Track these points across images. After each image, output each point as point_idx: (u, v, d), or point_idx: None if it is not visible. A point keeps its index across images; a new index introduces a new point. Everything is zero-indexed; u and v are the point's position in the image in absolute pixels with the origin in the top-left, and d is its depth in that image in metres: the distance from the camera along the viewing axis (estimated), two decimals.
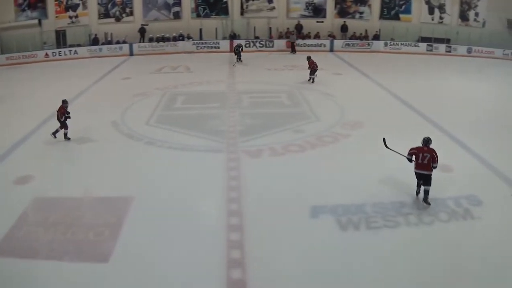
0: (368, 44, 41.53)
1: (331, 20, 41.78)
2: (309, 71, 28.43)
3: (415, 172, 14.23)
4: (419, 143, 14.75)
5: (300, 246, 11.39)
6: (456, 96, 26.76)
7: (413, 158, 14.03)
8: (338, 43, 40.58)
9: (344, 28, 41.94)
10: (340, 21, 42.05)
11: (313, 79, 28.21)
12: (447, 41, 44.44)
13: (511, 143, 19.86)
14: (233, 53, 34.29)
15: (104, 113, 21.14)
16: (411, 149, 14.20)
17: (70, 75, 30.36)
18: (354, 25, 42.20)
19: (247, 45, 38.54)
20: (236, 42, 38.03)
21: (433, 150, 13.97)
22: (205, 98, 23.96)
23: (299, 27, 40.69)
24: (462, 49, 43.65)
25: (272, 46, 38.91)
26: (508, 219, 13.66)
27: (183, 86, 26.36)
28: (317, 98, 24.67)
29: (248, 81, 26.65)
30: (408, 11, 44.45)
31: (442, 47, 43.76)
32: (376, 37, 42.62)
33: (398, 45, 42.25)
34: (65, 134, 18.16)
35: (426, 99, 25.57)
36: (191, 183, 14.31)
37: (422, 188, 14.16)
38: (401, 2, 44.01)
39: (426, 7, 44.75)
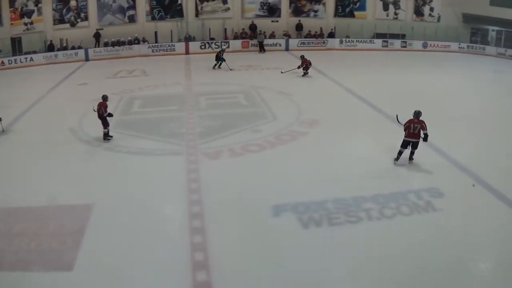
0: (324, 42, 41.77)
1: (286, 19, 41.94)
2: (301, 68, 29.84)
3: (405, 140, 16.56)
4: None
5: (263, 245, 11.39)
6: (411, 90, 27.15)
7: (405, 129, 16.51)
8: (294, 42, 40.72)
9: (299, 27, 42.10)
10: (295, 20, 42.22)
11: (306, 74, 29.68)
12: (403, 36, 45.12)
13: (469, 134, 20.32)
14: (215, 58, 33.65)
15: (62, 120, 20.87)
16: (405, 124, 16.61)
17: (26, 83, 29.81)
18: (309, 23, 42.43)
19: (202, 47, 38.52)
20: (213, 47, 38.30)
21: (422, 122, 16.42)
22: (163, 101, 23.84)
23: (253, 27, 40.71)
24: (418, 44, 44.40)
25: (228, 47, 38.52)
26: (470, 210, 13.89)
27: (139, 90, 26.16)
28: (274, 97, 24.76)
29: (205, 82, 26.61)
30: (362, 8, 44.93)
31: (397, 43, 44.41)
32: (331, 35, 42.92)
33: (353, 42, 42.64)
34: (106, 134, 18.32)
35: (382, 94, 25.97)
36: (152, 187, 14.19)
37: (410, 150, 16.71)
38: (356, 0, 44.47)
39: (380, 3, 45.32)
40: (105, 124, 18.24)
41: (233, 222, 12.40)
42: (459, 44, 45.72)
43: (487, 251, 12.02)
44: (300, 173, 15.61)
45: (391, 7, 45.75)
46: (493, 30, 47.79)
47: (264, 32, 41.05)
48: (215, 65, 32.75)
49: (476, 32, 47.83)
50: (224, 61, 32.48)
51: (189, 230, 11.89)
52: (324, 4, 43.35)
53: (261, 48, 39.09)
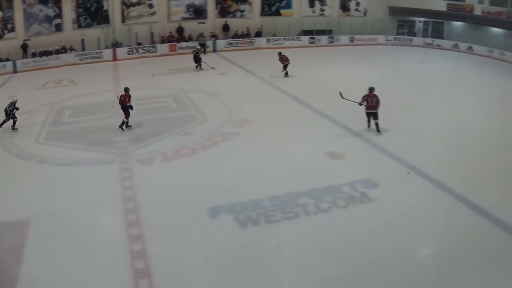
0: (251, 42, 42.03)
1: (213, 21, 42.00)
2: (282, 66, 29.92)
3: (367, 112, 19.85)
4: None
5: (203, 248, 11.45)
6: (339, 84, 27.60)
7: (364, 102, 19.53)
8: (221, 42, 40.77)
9: (226, 28, 42.25)
10: (222, 20, 42.36)
11: (286, 72, 29.79)
12: (329, 32, 46.07)
13: (399, 123, 21.05)
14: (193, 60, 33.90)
15: None
16: (363, 97, 19.62)
17: None
18: (236, 23, 42.63)
19: (130, 52, 38.13)
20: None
21: (376, 95, 19.67)
22: (93, 109, 23.47)
23: (180, 30, 40.50)
24: (345, 39, 45.43)
25: (155, 52, 38.57)
26: (406, 198, 14.34)
27: (69, 99, 25.71)
28: (203, 99, 24.87)
29: (134, 88, 26.30)
30: (288, 6, 45.50)
31: (324, 39, 45.31)
32: (258, 34, 43.23)
33: (280, 40, 43.01)
34: (126, 123, 20.14)
35: (310, 90, 26.58)
36: (87, 198, 14.07)
37: (373, 122, 19.75)
38: None
39: (306, 0, 46.08)
40: (127, 114, 20.00)
41: (171, 227, 12.41)
42: (386, 36, 47.16)
43: (426, 237, 12.41)
44: (234, 173, 15.80)
45: (317, 3, 46.58)
46: (420, 21, 49.21)
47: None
48: (197, 66, 33.07)
49: (403, 24, 49.42)
50: (199, 62, 33.11)
51: (128, 239, 11.79)
52: (250, 3, 43.66)
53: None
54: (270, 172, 15.89)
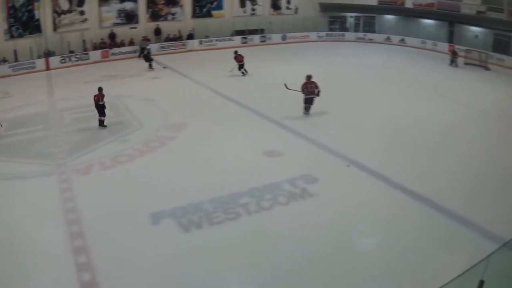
0: (183, 44, 42.02)
1: (144, 25, 41.67)
2: (237, 65, 30.66)
3: (306, 98, 22.25)
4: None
5: (148, 255, 11.52)
6: (271, 83, 28.14)
7: (305, 90, 22.00)
8: (153, 46, 40.31)
9: (157, 31, 42.06)
10: (153, 24, 42.11)
11: (244, 71, 30.63)
12: (261, 31, 46.63)
13: (335, 118, 22.04)
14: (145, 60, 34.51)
15: None
16: (302, 85, 22.19)
17: None
18: (167, 27, 42.48)
19: (63, 61, 37.36)
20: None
21: (314, 82, 22.24)
22: (28, 121, 22.93)
23: (112, 36, 39.99)
24: (277, 37, 46.10)
25: (88, 59, 38.02)
26: (346, 190, 15.00)
27: (3, 112, 24.81)
28: (138, 105, 24.95)
29: (68, 97, 26.02)
30: (220, 7, 45.75)
31: (256, 38, 45.86)
32: (191, 36, 43.32)
33: (213, 41, 43.23)
34: (102, 121, 21.41)
35: (244, 90, 27.34)
36: (27, 212, 13.78)
37: (308, 105, 22.34)
38: None
39: (237, 0, 46.50)
40: (102, 113, 21.28)
41: (115, 236, 12.35)
42: (318, 33, 48.25)
43: (369, 227, 13.05)
44: (173, 178, 16.01)
45: (248, 3, 47.11)
46: (351, 17, 50.34)
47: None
48: (149, 66, 33.87)
49: (335, 20, 50.55)
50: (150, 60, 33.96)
51: (72, 251, 11.69)
52: (181, 6, 43.61)
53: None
54: (209, 174, 16.14)
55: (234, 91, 27.29)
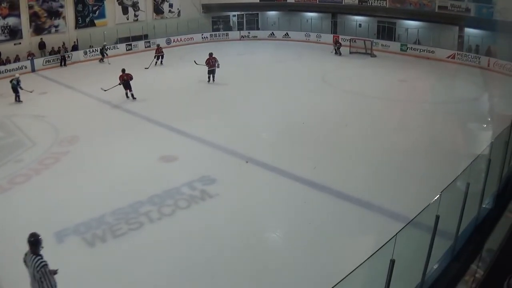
0: (68, 57, 41.20)
1: (29, 39, 40.72)
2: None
3: (208, 70, 30.64)
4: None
5: (58, 275, 10.55)
6: (158, 87, 29.37)
7: (207, 63, 30.14)
8: (39, 61, 39.33)
9: (42, 45, 41.09)
10: (37, 38, 41.14)
11: (212, 77, 31.43)
12: (145, 37, 46.86)
13: (223, 118, 22.89)
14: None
15: None
16: (206, 60, 30.62)
17: None
18: (51, 40, 41.63)
19: None
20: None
21: (215, 57, 30.60)
22: None
23: None
24: (161, 42, 46.00)
25: None
26: (245, 187, 15.77)
27: None
28: (28, 122, 24.43)
29: None
30: (102, 15, 45.63)
31: (141, 44, 46.09)
32: (75, 48, 42.82)
33: (97, 51, 42.65)
34: (132, 95, 27.76)
35: (131, 99, 27.57)
36: None
37: (212, 77, 30.01)
38: (95, 8, 44.91)
39: (119, 8, 46.62)
40: (129, 88, 27.59)
41: (19, 260, 10.91)
42: (202, 34, 49.18)
43: (272, 221, 13.77)
44: (72, 194, 15.89)
45: (130, 10, 47.45)
46: (234, 16, 51.38)
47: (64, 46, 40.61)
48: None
49: (218, 20, 51.46)
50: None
51: None
52: (64, 17, 42.98)
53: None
54: (108, 186, 16.31)
55: (123, 100, 27.66)
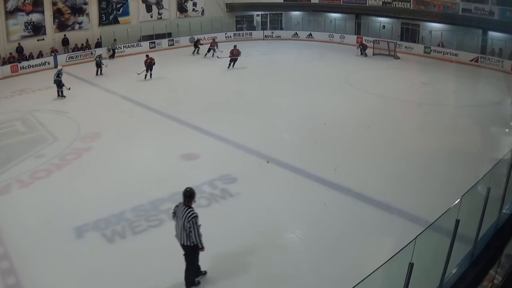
0: (91, 53, 41.25)
1: (52, 36, 40.94)
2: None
3: (231, 58, 34.81)
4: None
5: (75, 270, 11.31)
6: (182, 85, 28.93)
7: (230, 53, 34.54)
8: (62, 57, 39.61)
9: (65, 42, 41.29)
10: (61, 35, 41.34)
11: (233, 64, 35.40)
12: (169, 35, 46.86)
13: (247, 117, 22.78)
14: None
15: None
16: (230, 51, 34.84)
17: None
18: (75, 36, 41.90)
19: None
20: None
21: (238, 49, 35.08)
22: None
23: (20, 49, 38.68)
24: (185, 40, 46.48)
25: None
26: (266, 187, 15.56)
27: None
28: (51, 118, 24.49)
29: None
30: (126, 13, 45.85)
31: (165, 42, 46.18)
32: (98, 45, 42.92)
33: (121, 48, 43.07)
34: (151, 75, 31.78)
35: (156, 95, 27.78)
36: None
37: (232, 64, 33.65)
38: (119, 6, 45.09)
39: (143, 6, 46.72)
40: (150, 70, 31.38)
41: (41, 255, 11.98)
42: (226, 33, 49.03)
43: (294, 222, 13.49)
44: (93, 189, 15.83)
45: (154, 8, 47.48)
46: (258, 15, 51.32)
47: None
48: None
49: (241, 19, 51.52)
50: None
51: (0, 274, 11.25)
52: (87, 14, 43.21)
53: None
54: (129, 183, 16.17)
55: (146, 97, 27.59)
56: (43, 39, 40.49)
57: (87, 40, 42.33)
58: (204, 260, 10.91)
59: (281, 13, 54.12)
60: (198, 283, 10.78)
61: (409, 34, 44.68)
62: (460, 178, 15.14)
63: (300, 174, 16.29)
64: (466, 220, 8.02)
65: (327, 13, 50.34)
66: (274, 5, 51.46)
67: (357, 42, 43.16)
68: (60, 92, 28.68)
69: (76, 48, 41.65)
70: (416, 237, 6.52)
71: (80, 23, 42.98)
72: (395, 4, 43.57)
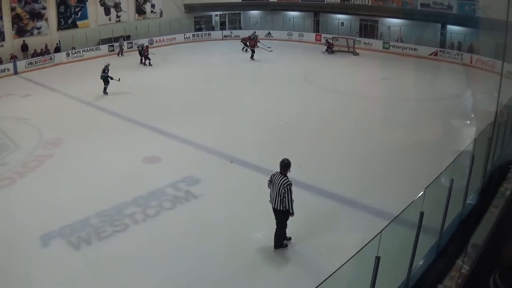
0: (51, 58, 40.93)
1: (11, 42, 40.27)
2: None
3: (251, 49, 37.56)
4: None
5: (42, 280, 11.17)
6: (140, 88, 29.15)
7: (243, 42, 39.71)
8: (21, 64, 38.84)
9: (24, 47, 40.64)
10: (20, 40, 40.71)
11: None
12: (128, 37, 46.68)
13: (204, 118, 22.84)
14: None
15: None
16: (245, 40, 40.31)
17: None
18: (34, 42, 41.27)
19: None
20: None
21: (252, 39, 38.47)
22: None
23: None
24: (144, 42, 45.19)
25: None
26: (229, 187, 15.69)
27: None
28: (11, 125, 24.10)
29: None
30: (84, 17, 45.39)
31: (123, 45, 45.50)
32: (57, 49, 42.42)
33: (80, 52, 42.76)
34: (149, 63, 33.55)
35: (117, 99, 27.84)
36: None
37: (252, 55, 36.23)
38: (77, 9, 44.63)
39: (102, 9, 46.41)
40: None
41: (6, 265, 11.79)
42: (185, 34, 49.09)
43: (258, 220, 13.52)
44: (57, 196, 15.70)
45: (112, 10, 47.25)
46: (216, 15, 51.39)
47: None
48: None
49: (200, 20, 51.36)
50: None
51: None
52: (46, 19, 42.64)
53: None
54: (92, 188, 16.09)
55: (106, 101, 27.63)
56: (2, 46, 39.79)
57: (46, 45, 41.80)
58: (171, 262, 11.11)
59: (240, 13, 54.38)
60: (286, 245, 12.11)
61: (368, 30, 45.24)
62: (423, 171, 15.43)
63: (264, 173, 16.12)
64: (431, 212, 8.28)
65: (285, 11, 50.72)
66: (232, 4, 51.71)
67: (322, 40, 43.76)
68: (104, 90, 29.19)
69: (35, 54, 41.02)
70: (381, 231, 6.68)
71: (39, 28, 42.40)
72: (353, 1, 44.12)
